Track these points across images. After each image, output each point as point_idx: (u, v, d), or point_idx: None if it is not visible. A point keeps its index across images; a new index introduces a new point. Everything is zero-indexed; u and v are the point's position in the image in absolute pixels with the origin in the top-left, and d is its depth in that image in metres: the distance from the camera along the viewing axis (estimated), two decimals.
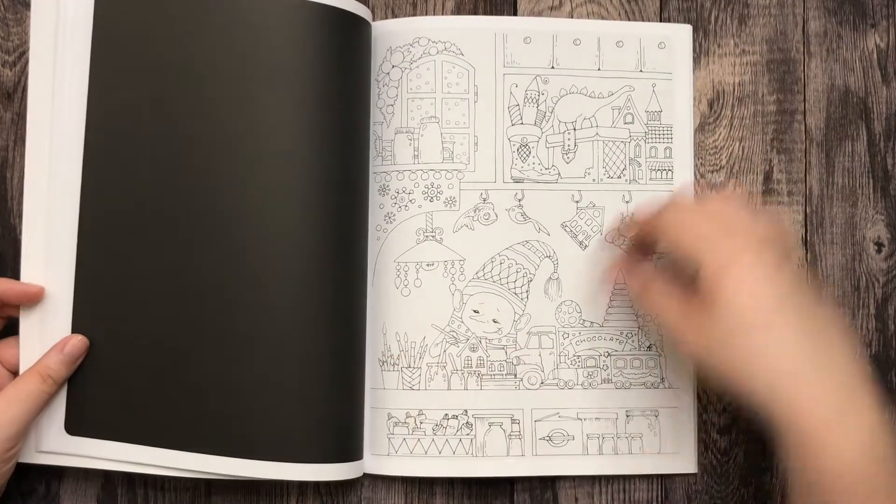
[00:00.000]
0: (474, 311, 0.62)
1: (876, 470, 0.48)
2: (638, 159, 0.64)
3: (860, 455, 0.48)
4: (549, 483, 0.63)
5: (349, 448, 0.60)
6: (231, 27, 0.58)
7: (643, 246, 0.59)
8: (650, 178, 0.63)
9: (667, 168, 0.64)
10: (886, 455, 0.48)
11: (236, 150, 0.58)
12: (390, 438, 0.61)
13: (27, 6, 0.62)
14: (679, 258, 0.54)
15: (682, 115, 0.64)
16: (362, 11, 0.61)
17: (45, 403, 0.57)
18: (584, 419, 0.62)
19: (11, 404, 0.55)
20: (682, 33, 0.64)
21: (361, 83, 0.61)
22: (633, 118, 0.64)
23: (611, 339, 0.62)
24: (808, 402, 0.48)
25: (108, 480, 0.62)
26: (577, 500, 0.63)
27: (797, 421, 0.48)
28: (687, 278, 0.54)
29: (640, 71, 0.64)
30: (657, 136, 0.64)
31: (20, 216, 0.62)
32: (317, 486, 0.62)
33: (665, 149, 0.64)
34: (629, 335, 0.63)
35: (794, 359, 0.49)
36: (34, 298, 0.58)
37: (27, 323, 0.58)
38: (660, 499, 0.63)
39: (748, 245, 0.51)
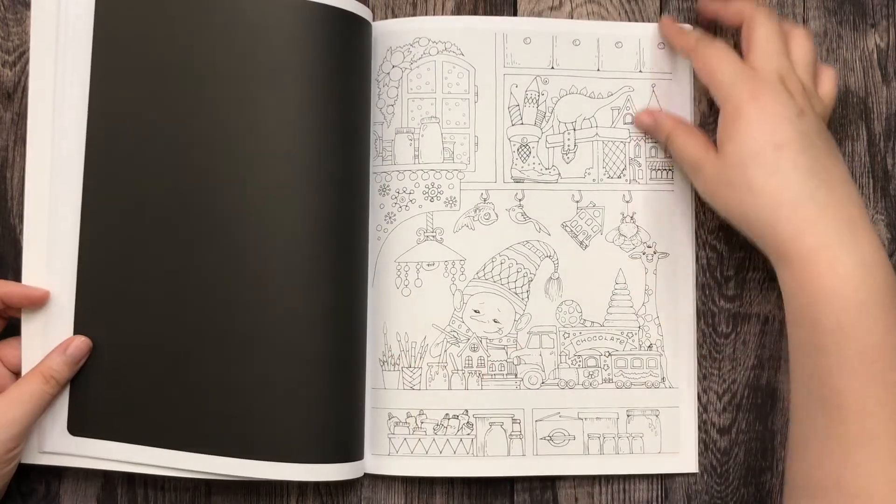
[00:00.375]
0: (475, 311, 0.62)
1: (869, 294, 0.51)
2: (638, 159, 0.64)
3: (855, 277, 0.51)
4: (549, 483, 0.63)
5: (350, 448, 0.60)
6: (231, 27, 0.58)
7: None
8: (650, 178, 0.64)
9: (667, 168, 0.64)
10: (881, 283, 0.52)
11: (237, 150, 0.58)
12: (391, 438, 0.61)
13: (27, 6, 0.62)
14: (705, 84, 0.58)
15: (682, 115, 0.64)
16: (362, 11, 0.61)
17: (48, 404, 0.57)
18: (585, 419, 0.62)
19: (14, 405, 0.55)
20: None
21: (362, 83, 0.61)
22: (632, 118, 0.64)
23: (611, 339, 0.62)
24: (807, 228, 0.53)
25: (108, 480, 0.62)
26: (577, 500, 0.63)
27: (796, 246, 0.53)
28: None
29: (640, 71, 0.64)
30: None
31: (20, 216, 0.62)
32: (317, 485, 0.62)
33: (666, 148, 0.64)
34: (630, 335, 0.63)
35: (796, 192, 0.53)
36: (38, 302, 0.58)
37: (29, 323, 0.58)
38: (660, 499, 0.63)
39: (771, 87, 0.55)
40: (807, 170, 0.54)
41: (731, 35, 0.64)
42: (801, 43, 0.58)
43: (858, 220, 0.53)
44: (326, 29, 0.59)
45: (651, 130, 0.63)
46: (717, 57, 0.57)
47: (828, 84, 0.59)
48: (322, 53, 0.59)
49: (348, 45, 0.60)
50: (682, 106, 0.64)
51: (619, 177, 0.63)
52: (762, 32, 0.57)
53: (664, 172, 0.64)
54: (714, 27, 0.64)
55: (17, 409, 0.55)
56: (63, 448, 0.58)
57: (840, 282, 0.51)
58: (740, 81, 0.56)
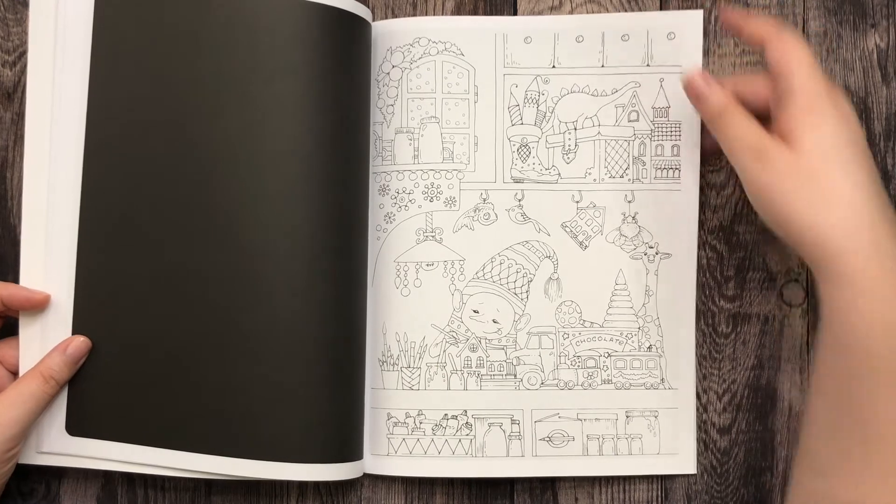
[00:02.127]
0: (474, 312, 0.62)
1: None
2: (643, 158, 0.63)
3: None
4: (548, 483, 0.63)
5: (349, 448, 0.60)
6: (231, 26, 0.58)
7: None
8: (655, 177, 0.63)
9: (674, 167, 0.63)
10: None
11: (237, 151, 0.58)
12: (390, 438, 0.61)
13: (27, 6, 0.62)
14: (777, 72, 0.54)
15: (692, 110, 0.63)
16: (362, 11, 0.61)
17: (47, 405, 0.57)
18: (584, 420, 0.62)
19: (14, 405, 0.55)
20: (692, 21, 0.63)
21: (361, 83, 0.61)
22: (638, 115, 0.63)
23: (611, 340, 0.62)
24: (861, 257, 0.49)
25: (108, 480, 0.62)
26: (576, 500, 0.63)
27: (847, 270, 0.50)
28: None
29: (647, 65, 0.63)
30: (665, 133, 0.63)
31: (20, 216, 0.62)
32: (317, 486, 0.62)
33: (673, 146, 0.63)
34: (629, 336, 0.62)
35: (860, 217, 0.50)
36: (39, 305, 0.58)
37: (27, 324, 0.58)
38: (660, 499, 0.63)
39: (839, 90, 0.54)
40: (867, 196, 0.51)
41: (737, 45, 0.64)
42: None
43: None
44: (326, 29, 0.59)
45: (696, 100, 0.57)
46: (801, 46, 0.53)
47: None
48: (322, 53, 0.59)
49: (348, 45, 0.60)
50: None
51: (622, 176, 0.63)
52: (805, 52, 0.54)
53: (671, 171, 0.63)
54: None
55: (15, 410, 0.55)
56: (61, 448, 0.58)
57: (890, 307, 0.49)
58: (820, 76, 0.53)
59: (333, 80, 0.59)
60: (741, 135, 0.54)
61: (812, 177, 0.51)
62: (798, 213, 0.51)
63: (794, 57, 0.53)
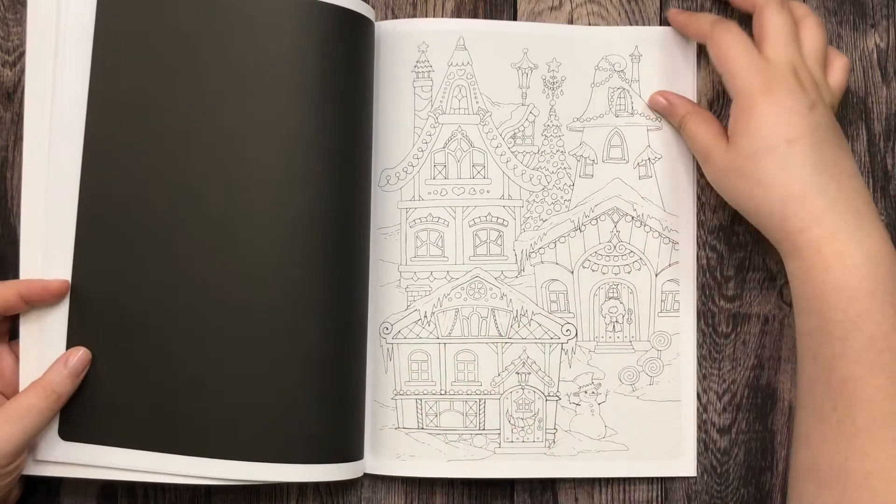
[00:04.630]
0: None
1: (877, 286, 0.52)
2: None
3: (862, 268, 0.52)
4: (548, 483, 0.63)
5: (350, 448, 0.60)
6: (234, 25, 0.58)
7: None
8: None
9: (671, 176, 0.63)
10: (888, 275, 0.52)
11: (239, 151, 0.58)
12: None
13: (27, 6, 0.62)
14: (720, 72, 0.58)
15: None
16: (366, 10, 0.61)
17: (48, 420, 0.55)
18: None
19: (10, 420, 0.53)
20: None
21: (364, 82, 0.61)
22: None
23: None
24: (816, 221, 0.53)
25: (108, 482, 0.61)
26: (577, 500, 0.63)
27: (805, 237, 0.53)
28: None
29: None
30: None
31: (20, 216, 0.61)
32: (317, 486, 0.62)
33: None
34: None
35: (806, 186, 0.53)
36: (57, 293, 0.56)
37: (27, 329, 0.57)
38: (659, 499, 0.63)
39: (784, 80, 0.55)
40: (817, 164, 0.54)
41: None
42: (812, 31, 0.58)
43: (866, 213, 0.54)
44: (329, 27, 0.59)
45: (665, 113, 0.63)
46: (733, 44, 0.57)
47: (838, 73, 0.59)
48: (325, 52, 0.59)
49: (351, 44, 0.60)
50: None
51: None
52: (775, 22, 0.57)
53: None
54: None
55: (12, 426, 0.53)
56: (56, 454, 0.56)
57: (848, 273, 0.52)
58: (754, 73, 0.55)
59: (336, 79, 0.59)
60: (693, 139, 0.60)
61: (746, 174, 0.56)
62: (741, 203, 0.57)
63: (729, 57, 0.57)
